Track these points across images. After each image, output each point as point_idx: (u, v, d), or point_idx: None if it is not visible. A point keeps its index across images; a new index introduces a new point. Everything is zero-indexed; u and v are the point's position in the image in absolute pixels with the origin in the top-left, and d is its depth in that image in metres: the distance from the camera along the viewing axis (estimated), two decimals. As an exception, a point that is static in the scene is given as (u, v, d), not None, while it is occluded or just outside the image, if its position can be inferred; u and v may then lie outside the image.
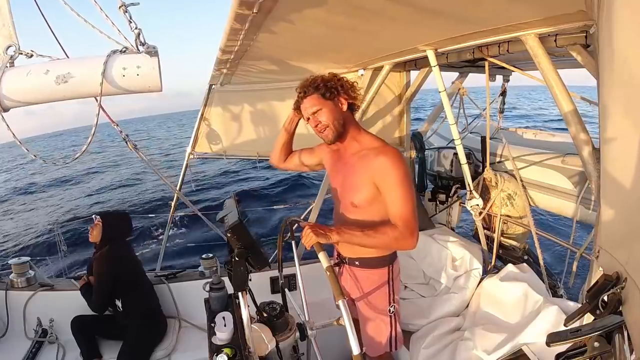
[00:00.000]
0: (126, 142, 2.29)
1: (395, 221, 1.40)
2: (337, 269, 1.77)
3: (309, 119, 1.53)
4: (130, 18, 1.20)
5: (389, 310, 1.69)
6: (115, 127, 2.15)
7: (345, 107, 1.51)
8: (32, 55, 1.29)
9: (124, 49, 1.25)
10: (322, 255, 1.18)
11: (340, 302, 1.11)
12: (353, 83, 1.55)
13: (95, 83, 1.21)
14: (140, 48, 1.24)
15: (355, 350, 1.00)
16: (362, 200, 1.50)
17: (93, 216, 2.33)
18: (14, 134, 1.29)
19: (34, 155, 1.40)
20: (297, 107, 1.59)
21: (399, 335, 1.74)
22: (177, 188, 3.06)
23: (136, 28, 1.21)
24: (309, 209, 3.11)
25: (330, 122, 1.48)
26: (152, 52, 1.22)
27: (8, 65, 1.26)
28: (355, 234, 1.41)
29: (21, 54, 1.29)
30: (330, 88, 1.47)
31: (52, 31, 1.60)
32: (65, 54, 1.40)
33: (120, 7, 1.19)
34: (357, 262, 1.66)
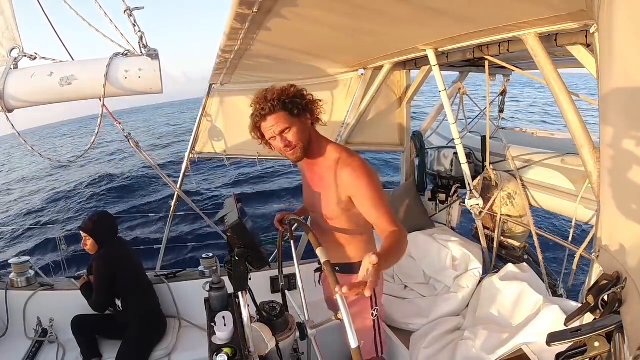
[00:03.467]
0: (129, 140, 2.28)
1: (383, 226, 1.37)
2: (317, 274, 1.81)
3: (272, 137, 1.41)
4: (135, 22, 1.23)
5: (372, 314, 1.68)
6: (117, 125, 2.15)
7: (310, 123, 1.46)
8: (35, 58, 1.32)
9: (126, 52, 1.27)
10: (319, 251, 1.18)
11: (338, 296, 1.10)
12: (315, 100, 1.46)
13: (98, 85, 1.23)
14: (142, 51, 1.26)
15: (353, 343, 0.99)
16: (333, 212, 1.52)
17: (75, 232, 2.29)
18: (19, 134, 1.30)
19: (40, 154, 1.41)
20: (256, 126, 1.43)
21: (384, 339, 1.76)
22: (177, 187, 3.06)
23: (139, 31, 1.24)
24: None
25: (299, 141, 1.41)
26: (154, 55, 1.25)
27: (12, 67, 1.28)
28: (386, 264, 1.21)
29: (25, 56, 1.31)
30: (298, 105, 1.38)
31: (57, 34, 1.60)
32: (71, 56, 1.41)
33: (125, 11, 1.21)
34: (337, 268, 1.63)
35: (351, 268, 1.61)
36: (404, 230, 1.37)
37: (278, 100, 1.35)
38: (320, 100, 1.47)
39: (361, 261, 1.54)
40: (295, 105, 1.37)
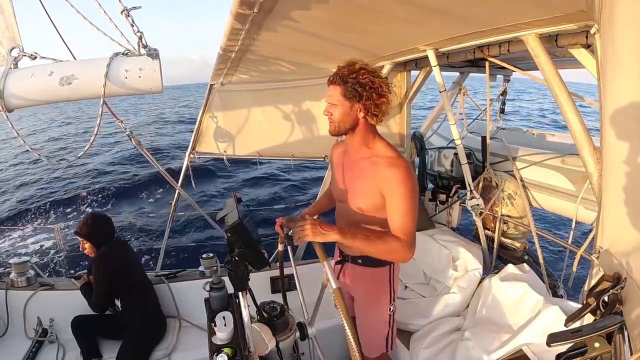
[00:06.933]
0: (130, 139, 2.28)
1: (397, 233, 1.38)
2: (338, 267, 1.78)
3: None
4: (133, 21, 1.23)
5: (389, 309, 1.70)
6: (119, 124, 2.14)
7: (361, 115, 1.44)
8: (35, 57, 1.31)
9: (126, 52, 1.27)
10: (318, 248, 1.20)
11: (333, 298, 1.11)
12: (384, 100, 1.42)
13: (98, 84, 1.23)
14: (142, 50, 1.27)
15: (354, 344, 1.00)
16: (369, 205, 1.49)
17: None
18: (18, 134, 1.30)
19: (38, 154, 1.41)
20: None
21: (394, 336, 1.77)
22: (178, 185, 3.06)
23: (138, 31, 1.25)
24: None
25: (337, 120, 1.45)
26: (154, 54, 1.25)
27: (12, 66, 1.28)
28: (357, 237, 1.34)
29: (25, 55, 1.31)
30: (356, 91, 1.37)
31: (59, 33, 1.60)
32: (73, 56, 1.41)
33: (122, 12, 1.21)
34: (359, 260, 1.66)
35: (373, 262, 1.60)
36: (408, 243, 1.36)
37: (342, 76, 1.39)
38: (385, 101, 1.43)
39: (383, 259, 1.58)
40: (353, 90, 1.38)
